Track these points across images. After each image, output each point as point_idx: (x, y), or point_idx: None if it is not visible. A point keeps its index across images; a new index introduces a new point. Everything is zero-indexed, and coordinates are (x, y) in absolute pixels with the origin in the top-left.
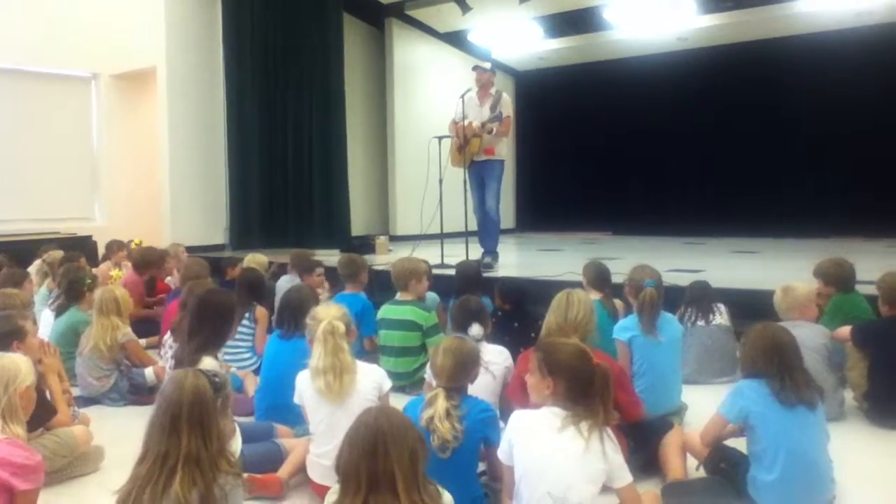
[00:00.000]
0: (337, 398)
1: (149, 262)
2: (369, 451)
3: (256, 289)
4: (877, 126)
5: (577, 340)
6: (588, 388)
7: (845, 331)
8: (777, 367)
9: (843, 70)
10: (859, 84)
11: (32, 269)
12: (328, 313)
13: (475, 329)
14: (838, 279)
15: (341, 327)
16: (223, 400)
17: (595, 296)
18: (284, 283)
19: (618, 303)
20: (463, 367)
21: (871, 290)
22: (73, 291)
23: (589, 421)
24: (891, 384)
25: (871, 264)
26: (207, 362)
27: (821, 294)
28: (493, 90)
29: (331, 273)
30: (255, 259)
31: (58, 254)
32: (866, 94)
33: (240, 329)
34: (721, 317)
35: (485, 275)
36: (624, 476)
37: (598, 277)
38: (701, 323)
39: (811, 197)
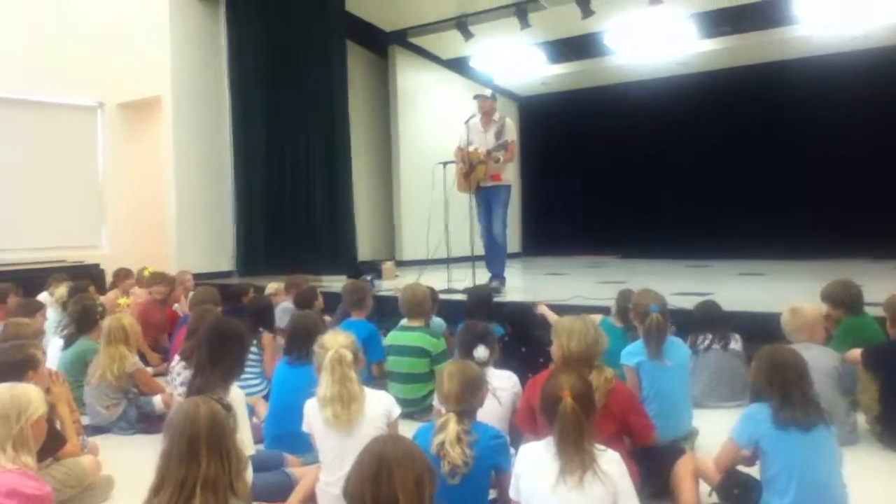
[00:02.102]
0: (345, 427)
1: (159, 280)
2: (373, 476)
3: (264, 315)
4: (879, 147)
5: (602, 365)
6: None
7: (856, 353)
8: (779, 388)
9: (842, 92)
10: (860, 106)
11: (41, 298)
12: (336, 341)
13: (480, 351)
14: (846, 301)
15: (349, 356)
16: (233, 420)
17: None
18: (281, 311)
19: None
20: (469, 390)
21: (880, 311)
22: (85, 321)
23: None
24: None
25: (879, 285)
26: (234, 391)
27: (829, 317)
28: (496, 116)
29: (334, 300)
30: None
31: (66, 285)
32: (867, 115)
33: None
34: (736, 344)
35: (493, 299)
36: (629, 502)
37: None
38: (716, 347)
39: (816, 218)
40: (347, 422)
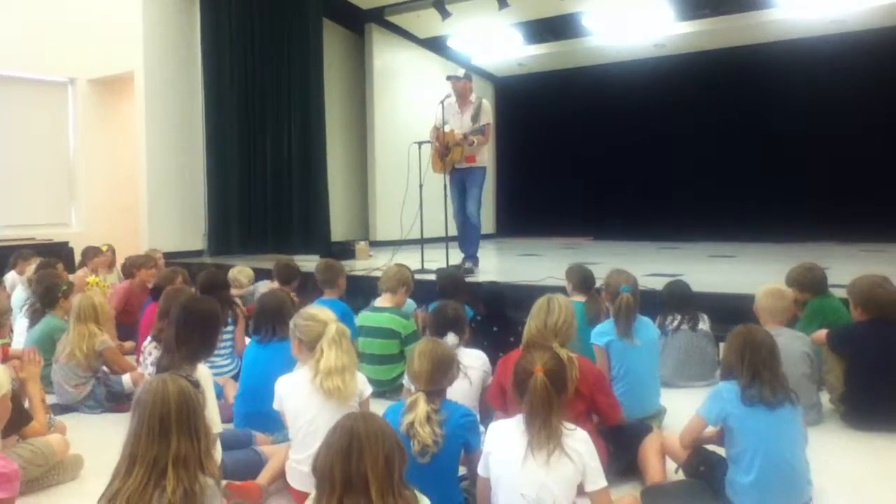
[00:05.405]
0: (344, 398)
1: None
2: (344, 453)
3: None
4: (851, 131)
5: (558, 346)
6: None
7: (821, 334)
8: (749, 366)
9: (817, 76)
10: (833, 89)
11: (9, 277)
12: (326, 314)
13: (450, 339)
14: (812, 283)
15: (346, 329)
16: (202, 397)
17: (580, 298)
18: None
19: None
20: (440, 369)
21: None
22: (48, 298)
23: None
24: (866, 387)
25: (847, 268)
26: (202, 370)
27: (797, 301)
28: (472, 97)
29: (307, 279)
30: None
31: (35, 263)
32: (840, 99)
33: None
34: (704, 324)
35: (465, 280)
36: (597, 480)
37: (582, 281)
38: (685, 327)
39: (787, 201)
40: (346, 392)
